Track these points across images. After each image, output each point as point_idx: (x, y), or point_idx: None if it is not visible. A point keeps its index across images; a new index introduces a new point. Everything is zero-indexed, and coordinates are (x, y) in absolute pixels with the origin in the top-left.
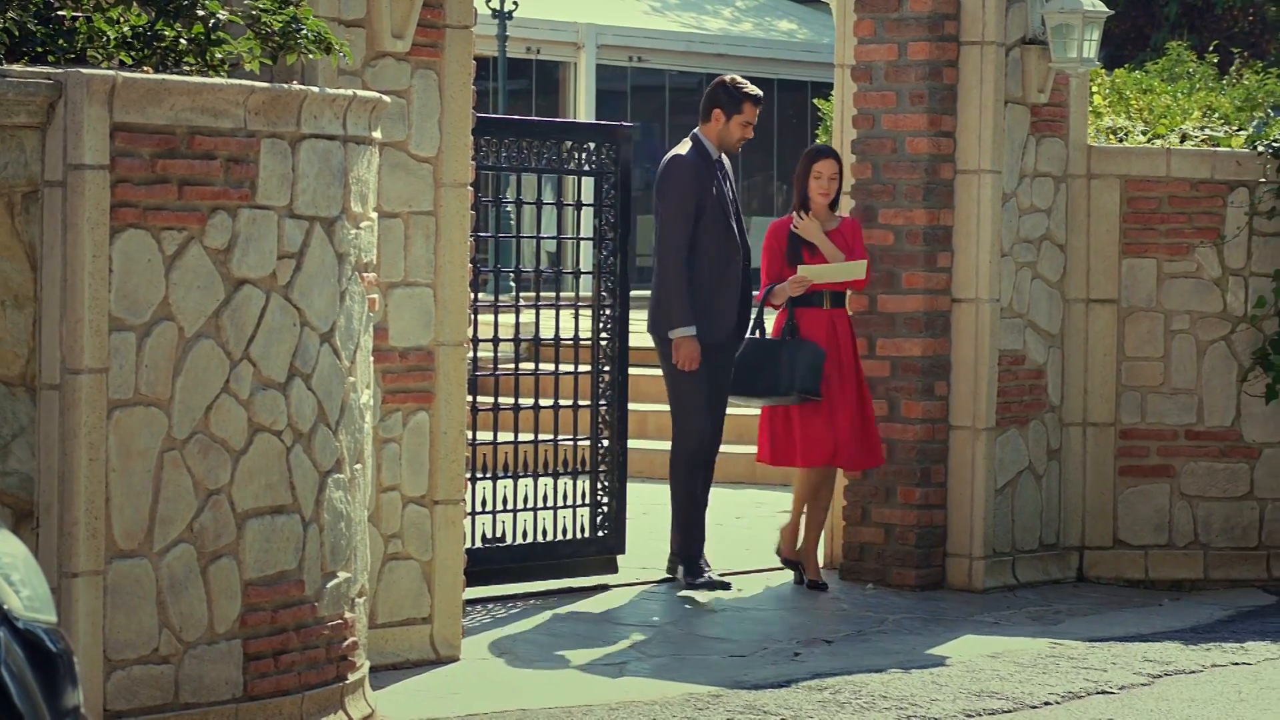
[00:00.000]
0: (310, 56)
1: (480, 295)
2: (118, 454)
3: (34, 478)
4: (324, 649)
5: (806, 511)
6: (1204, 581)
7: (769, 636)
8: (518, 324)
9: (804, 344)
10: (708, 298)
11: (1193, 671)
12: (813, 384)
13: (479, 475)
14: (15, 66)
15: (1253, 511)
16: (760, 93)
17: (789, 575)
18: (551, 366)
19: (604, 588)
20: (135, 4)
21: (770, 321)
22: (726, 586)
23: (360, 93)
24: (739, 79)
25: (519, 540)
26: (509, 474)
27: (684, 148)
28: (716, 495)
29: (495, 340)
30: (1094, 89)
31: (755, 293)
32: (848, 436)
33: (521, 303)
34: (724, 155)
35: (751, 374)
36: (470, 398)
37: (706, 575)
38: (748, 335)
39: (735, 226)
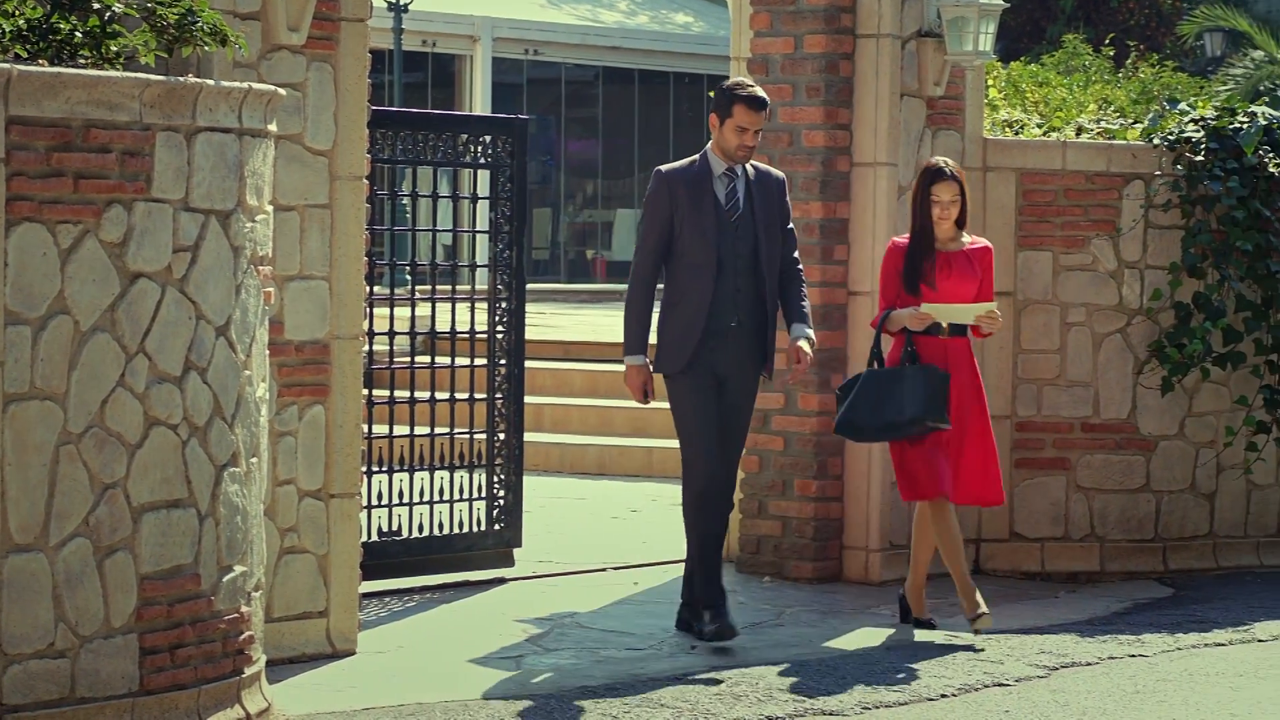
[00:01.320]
0: (206, 49)
1: (376, 289)
2: (13, 448)
3: None
4: (220, 643)
5: (914, 547)
6: (1100, 574)
7: (666, 630)
8: (413, 317)
9: (926, 369)
10: (683, 324)
11: (1089, 664)
12: (938, 411)
13: (375, 469)
14: None
15: (1149, 504)
16: (761, 94)
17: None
18: (447, 360)
19: (500, 581)
20: None
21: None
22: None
23: (256, 86)
24: (742, 79)
25: (415, 534)
26: (405, 468)
27: (682, 161)
28: (611, 489)
29: (391, 334)
30: (990, 82)
31: (871, 322)
32: (965, 471)
33: (417, 296)
34: (745, 167)
35: (871, 409)
36: (366, 391)
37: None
38: (867, 368)
39: (734, 249)
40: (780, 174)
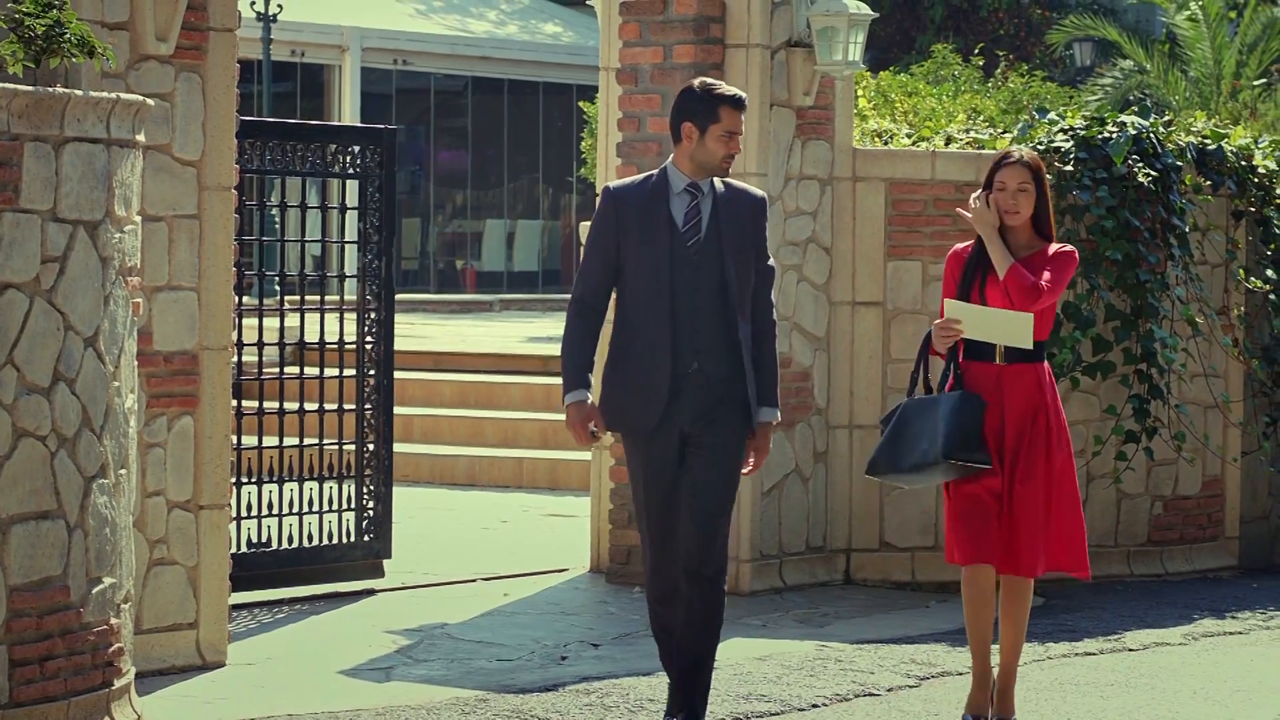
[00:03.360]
0: (74, 60)
1: (245, 299)
2: None
3: None
4: (90, 655)
5: (967, 629)
6: None
7: (536, 640)
8: (283, 328)
9: (959, 396)
10: (631, 374)
11: (960, 674)
12: (968, 446)
13: (245, 480)
14: None
15: None
16: (742, 94)
17: (556, 579)
18: (316, 371)
19: (370, 592)
20: None
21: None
22: None
23: (124, 96)
24: (709, 80)
25: (285, 545)
26: (275, 478)
27: (636, 176)
28: (482, 500)
29: (260, 344)
30: (859, 92)
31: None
32: (1024, 532)
33: (286, 306)
34: (714, 182)
35: (894, 445)
36: (235, 402)
37: None
38: (907, 395)
39: (692, 281)
40: (759, 193)
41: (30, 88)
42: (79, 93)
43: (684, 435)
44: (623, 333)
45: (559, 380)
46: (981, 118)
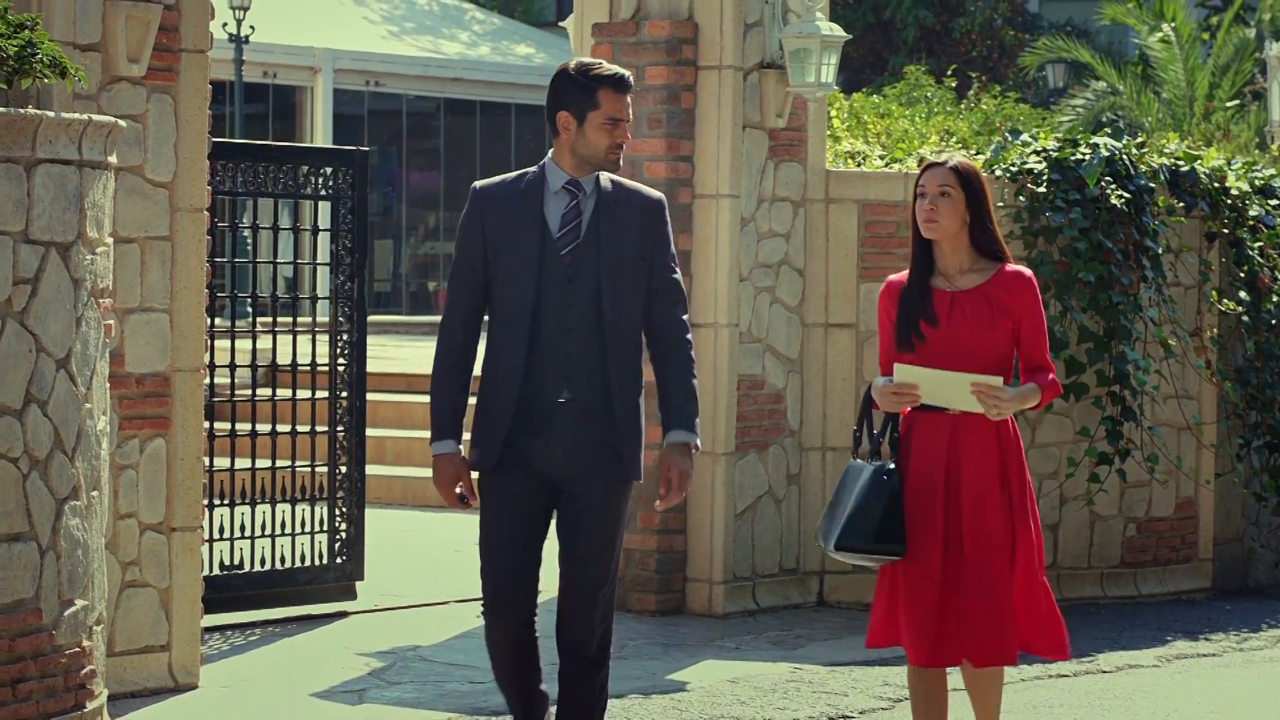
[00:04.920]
0: (46, 81)
1: (217, 321)
2: None
3: None
4: (62, 677)
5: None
6: None
7: None
8: (255, 349)
9: (872, 474)
10: (492, 402)
11: None
12: (864, 535)
13: (217, 502)
14: None
15: None
16: (626, 73)
17: None
18: (288, 393)
19: (343, 614)
20: None
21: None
22: None
23: (96, 117)
24: (587, 60)
25: (258, 567)
26: (247, 500)
27: (510, 174)
28: (454, 522)
29: (232, 366)
30: (832, 113)
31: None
32: (990, 616)
33: (259, 328)
34: (601, 180)
35: (824, 520)
36: (207, 424)
37: None
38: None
39: (563, 293)
40: (655, 194)
41: (1, 109)
42: (51, 114)
43: (553, 479)
44: (488, 356)
45: None
46: (955, 139)
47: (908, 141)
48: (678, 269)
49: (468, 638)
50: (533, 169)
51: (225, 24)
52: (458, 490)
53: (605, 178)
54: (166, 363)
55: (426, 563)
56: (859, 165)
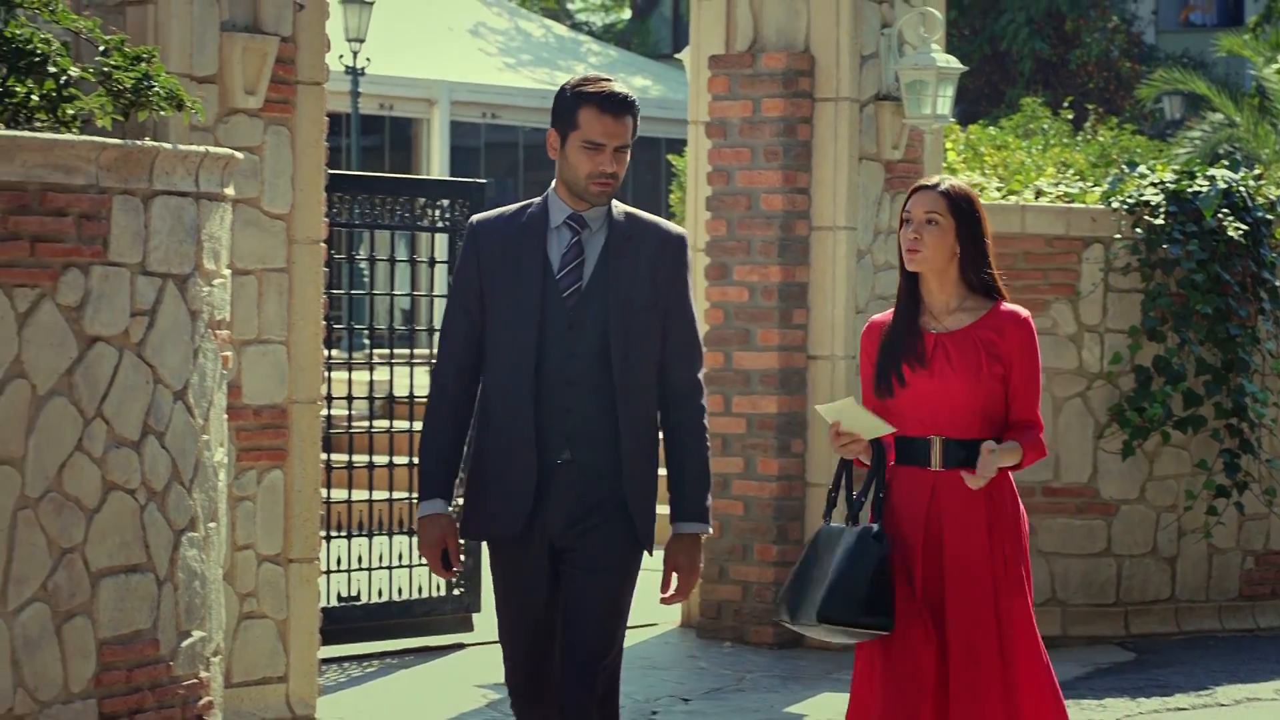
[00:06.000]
0: (163, 113)
1: (334, 352)
2: None
3: None
4: (179, 708)
5: None
6: (1062, 638)
7: (627, 695)
8: (371, 381)
9: (859, 536)
10: (487, 463)
11: None
12: (850, 608)
13: (334, 533)
14: None
15: (1110, 568)
16: (622, 91)
17: (647, 634)
18: (406, 424)
19: (460, 646)
20: None
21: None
22: None
23: (213, 149)
24: (591, 75)
25: (375, 599)
26: (364, 532)
27: (513, 206)
28: None
29: (350, 398)
30: (948, 145)
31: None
32: (961, 702)
33: (375, 360)
34: (614, 213)
35: (796, 587)
36: (324, 455)
37: None
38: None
39: (567, 342)
40: (677, 231)
41: (119, 141)
42: (168, 146)
43: (556, 549)
44: (483, 412)
45: None
46: (1071, 171)
47: (1024, 173)
48: (694, 319)
49: None
50: (537, 199)
51: (341, 56)
52: (444, 557)
53: (619, 210)
54: (284, 394)
55: None
56: None
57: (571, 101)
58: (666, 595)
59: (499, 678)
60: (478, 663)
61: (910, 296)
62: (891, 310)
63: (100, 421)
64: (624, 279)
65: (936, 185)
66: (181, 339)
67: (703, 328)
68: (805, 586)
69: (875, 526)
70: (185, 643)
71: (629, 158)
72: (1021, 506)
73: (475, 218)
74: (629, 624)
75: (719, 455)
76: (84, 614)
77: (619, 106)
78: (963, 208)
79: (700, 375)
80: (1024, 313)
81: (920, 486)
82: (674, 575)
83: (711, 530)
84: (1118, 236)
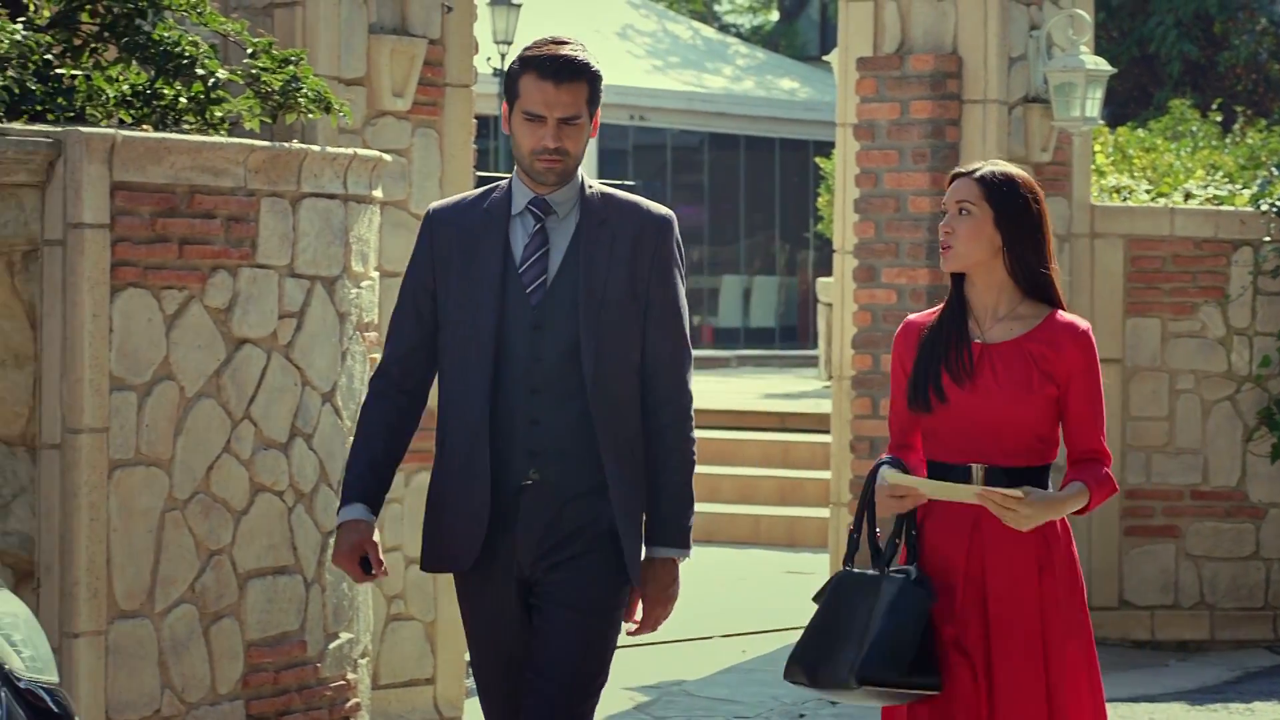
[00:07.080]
0: (310, 116)
1: None
2: (119, 514)
3: (34, 538)
4: (327, 710)
5: None
6: (1210, 642)
7: (775, 698)
8: None
9: (901, 586)
10: (443, 486)
11: None
12: (898, 666)
13: None
14: (15, 125)
15: (1258, 572)
16: (569, 54)
17: (794, 636)
18: None
19: None
20: (135, 63)
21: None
22: None
23: (360, 151)
24: (545, 36)
25: None
26: None
27: (474, 191)
28: (718, 557)
29: None
30: (1097, 148)
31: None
32: None
33: None
34: (585, 194)
35: (817, 643)
36: None
37: None
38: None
39: (531, 343)
40: (661, 212)
41: (267, 143)
42: (315, 148)
43: (523, 578)
44: (440, 425)
45: (797, 437)
46: (1220, 174)
47: (1173, 176)
48: (685, 311)
49: (733, 672)
50: (499, 184)
51: (489, 58)
52: (362, 561)
53: (593, 190)
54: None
55: (691, 597)
56: (1124, 200)
57: (516, 68)
58: (632, 628)
59: (648, 679)
60: (625, 664)
61: (958, 298)
62: (931, 310)
63: (248, 423)
64: (598, 269)
65: (973, 171)
66: (329, 341)
67: (850, 329)
68: (831, 643)
69: (913, 570)
70: (333, 644)
71: (586, 134)
72: (1074, 544)
73: (432, 205)
74: (780, 627)
75: (866, 458)
76: (231, 615)
77: (561, 71)
78: (1002, 193)
79: (689, 377)
80: (1083, 324)
81: (960, 521)
82: (640, 604)
83: (690, 555)
84: (1267, 239)
